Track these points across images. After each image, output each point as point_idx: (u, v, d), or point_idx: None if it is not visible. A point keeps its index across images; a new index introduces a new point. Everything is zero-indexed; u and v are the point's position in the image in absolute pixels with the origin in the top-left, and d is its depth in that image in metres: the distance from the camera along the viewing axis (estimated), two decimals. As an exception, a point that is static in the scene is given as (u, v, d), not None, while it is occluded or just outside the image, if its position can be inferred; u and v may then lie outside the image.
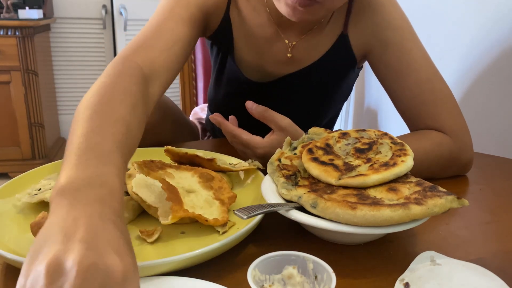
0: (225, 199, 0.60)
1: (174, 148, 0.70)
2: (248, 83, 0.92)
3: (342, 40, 0.86)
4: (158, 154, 0.79)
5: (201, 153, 0.71)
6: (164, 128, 0.91)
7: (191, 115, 1.32)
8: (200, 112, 1.29)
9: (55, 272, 0.32)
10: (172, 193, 0.55)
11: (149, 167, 0.63)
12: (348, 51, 0.87)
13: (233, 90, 0.97)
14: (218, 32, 0.88)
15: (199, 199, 0.59)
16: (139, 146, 0.81)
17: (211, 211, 0.57)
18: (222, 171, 0.70)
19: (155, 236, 0.54)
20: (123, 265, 0.33)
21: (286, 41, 0.86)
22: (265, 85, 0.92)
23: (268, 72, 0.91)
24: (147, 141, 0.86)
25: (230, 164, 0.71)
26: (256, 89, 0.93)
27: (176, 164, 0.69)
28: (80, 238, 0.34)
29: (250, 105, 0.71)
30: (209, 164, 0.69)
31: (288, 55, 0.87)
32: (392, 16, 0.82)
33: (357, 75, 1.00)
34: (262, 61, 0.89)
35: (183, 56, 0.75)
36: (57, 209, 0.37)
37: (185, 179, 0.63)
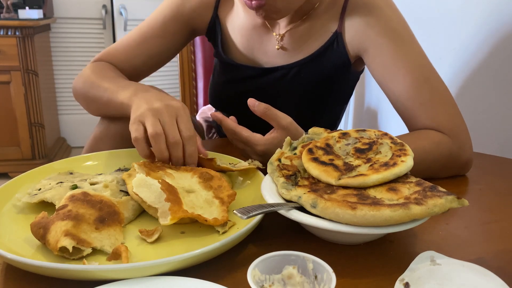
0: (225, 197, 0.60)
1: None
2: (239, 69, 0.96)
3: (335, 37, 0.87)
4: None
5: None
6: None
7: (198, 114, 1.33)
8: (208, 111, 1.30)
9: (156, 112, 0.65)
10: (171, 194, 0.55)
11: (149, 167, 0.62)
12: (341, 49, 0.87)
13: (226, 79, 1.00)
14: (209, 30, 0.97)
15: (199, 199, 0.59)
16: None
17: (211, 211, 0.57)
18: (222, 170, 0.70)
19: (155, 236, 0.54)
20: (180, 103, 0.68)
21: (274, 33, 0.91)
22: (257, 71, 0.93)
23: (262, 64, 0.95)
24: None
25: (230, 164, 0.71)
26: (248, 76, 0.95)
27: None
28: (157, 100, 0.67)
29: (252, 102, 0.71)
30: (209, 164, 0.69)
31: (276, 47, 0.91)
32: (388, 18, 0.82)
33: (357, 79, 1.00)
34: (254, 53, 0.94)
35: (145, 64, 0.95)
36: (134, 102, 0.70)
37: (185, 180, 0.63)
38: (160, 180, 0.57)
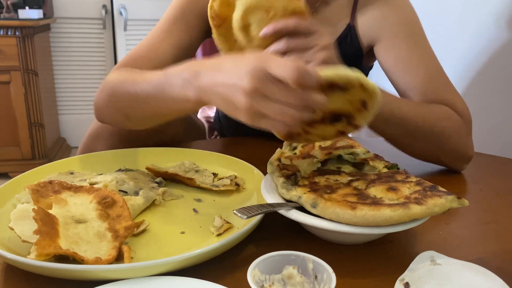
0: (121, 229, 0.52)
1: (154, 167, 0.70)
2: None
3: (349, 30, 0.87)
4: (162, 154, 0.80)
5: (181, 171, 0.70)
6: (173, 128, 0.91)
7: (199, 113, 1.32)
8: (208, 110, 1.29)
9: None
10: (46, 225, 0.47)
11: (41, 193, 0.55)
12: (355, 42, 0.87)
13: None
14: None
15: (89, 231, 0.52)
16: (144, 146, 0.82)
17: (100, 247, 0.50)
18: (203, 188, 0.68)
19: (141, 228, 0.55)
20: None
21: None
22: None
23: None
24: (156, 140, 0.87)
25: (212, 184, 0.69)
26: None
27: (79, 185, 0.59)
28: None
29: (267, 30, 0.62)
30: (190, 182, 0.68)
31: None
32: (402, 10, 0.83)
33: (366, 75, 1.00)
34: None
35: (175, 59, 0.81)
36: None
37: (79, 206, 0.55)
38: (35, 208, 0.48)
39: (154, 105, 0.61)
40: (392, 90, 0.85)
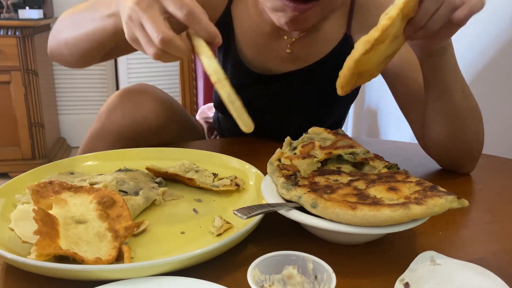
0: (121, 230, 0.52)
1: (154, 167, 0.69)
2: (250, 74, 0.93)
3: (345, 40, 0.86)
4: (160, 154, 0.80)
5: (181, 171, 0.70)
6: (170, 129, 0.91)
7: (198, 114, 1.32)
8: (207, 111, 1.29)
9: None
10: (46, 225, 0.48)
11: (41, 193, 0.55)
12: (351, 50, 0.87)
13: (236, 83, 0.97)
14: (219, 25, 0.89)
15: (89, 231, 0.52)
16: (143, 146, 0.82)
17: (100, 247, 0.50)
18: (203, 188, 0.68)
19: (141, 228, 0.55)
20: None
21: (285, 37, 0.89)
22: (268, 78, 0.92)
23: (271, 69, 0.92)
24: (154, 140, 0.87)
25: (212, 184, 0.69)
26: (259, 82, 0.93)
27: (79, 185, 0.59)
28: None
29: None
30: (190, 182, 0.68)
31: (287, 50, 0.89)
32: None
33: None
34: (264, 57, 0.92)
35: None
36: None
37: (79, 206, 0.55)
38: (35, 209, 0.49)
39: (90, 33, 0.71)
40: (391, 96, 0.85)
